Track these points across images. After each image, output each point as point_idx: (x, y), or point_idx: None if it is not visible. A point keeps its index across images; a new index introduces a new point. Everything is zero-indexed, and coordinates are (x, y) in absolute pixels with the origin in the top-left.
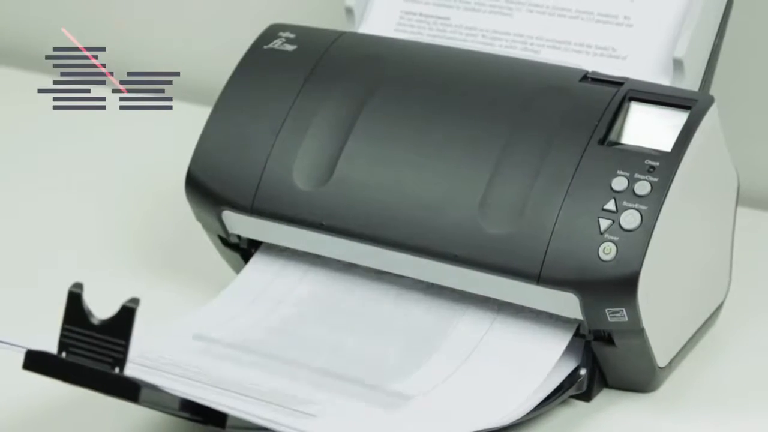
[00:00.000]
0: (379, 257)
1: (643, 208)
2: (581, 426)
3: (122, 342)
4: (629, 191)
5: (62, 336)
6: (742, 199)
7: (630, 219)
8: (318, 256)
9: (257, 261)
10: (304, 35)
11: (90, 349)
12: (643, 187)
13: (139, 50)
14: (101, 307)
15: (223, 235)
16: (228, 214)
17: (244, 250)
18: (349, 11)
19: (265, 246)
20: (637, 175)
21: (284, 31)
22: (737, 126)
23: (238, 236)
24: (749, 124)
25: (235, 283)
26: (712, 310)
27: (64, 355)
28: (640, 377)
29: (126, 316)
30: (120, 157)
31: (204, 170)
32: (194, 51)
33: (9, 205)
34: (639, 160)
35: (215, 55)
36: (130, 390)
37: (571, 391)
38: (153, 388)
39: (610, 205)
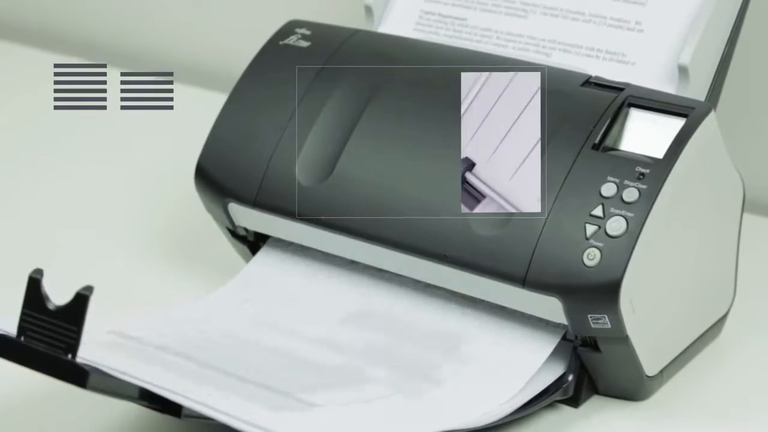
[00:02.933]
0: (372, 254)
1: (630, 215)
2: (565, 430)
3: (75, 328)
4: (617, 197)
5: (21, 320)
6: (753, 207)
7: (616, 225)
8: (321, 252)
9: (263, 255)
10: (319, 32)
11: (46, 334)
12: (631, 194)
13: (167, 35)
14: (117, 298)
15: (231, 227)
16: (233, 206)
17: (251, 242)
18: (368, 10)
19: (272, 240)
20: (626, 182)
21: (301, 27)
22: (747, 132)
23: (245, 229)
24: (760, 130)
25: (239, 276)
26: (713, 321)
27: (22, 339)
28: (628, 385)
29: (80, 303)
30: (140, 143)
31: (212, 163)
32: (221, 43)
33: (26, 196)
34: (630, 166)
35: (242, 46)
36: (79, 376)
37: (557, 396)
38: (104, 375)
39: (598, 211)
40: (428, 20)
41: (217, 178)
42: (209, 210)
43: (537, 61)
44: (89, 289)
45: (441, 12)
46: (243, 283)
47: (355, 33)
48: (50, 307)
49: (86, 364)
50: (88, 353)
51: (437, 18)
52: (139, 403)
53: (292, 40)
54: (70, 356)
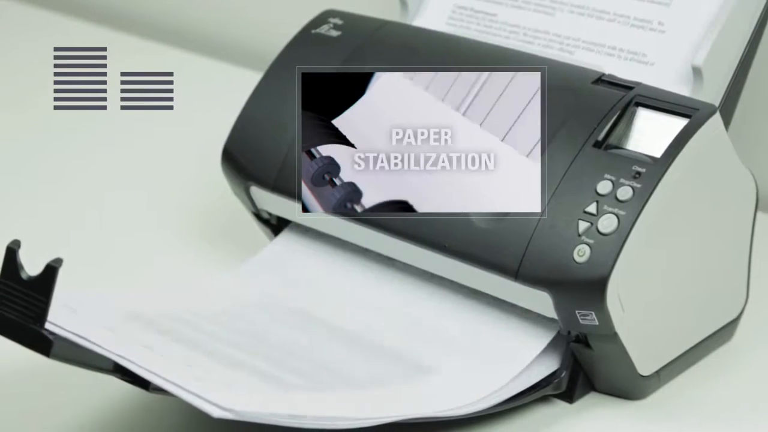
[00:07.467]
0: (378, 242)
1: (622, 213)
2: (555, 424)
3: (44, 299)
4: (612, 195)
5: None
6: None
7: (607, 223)
8: (336, 241)
9: (282, 238)
10: (350, 22)
11: (19, 303)
12: (625, 192)
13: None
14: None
15: (254, 210)
16: (255, 190)
17: (274, 226)
18: (404, 3)
19: (293, 225)
20: (622, 180)
21: (334, 17)
22: (763, 131)
23: (268, 212)
24: None
25: (258, 256)
26: (722, 324)
27: None
28: (622, 383)
29: (49, 274)
30: (175, 118)
31: (237, 147)
32: (264, 30)
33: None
34: (627, 165)
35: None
36: (44, 345)
37: (549, 390)
38: (74, 345)
39: (592, 208)
40: (461, 15)
41: (241, 161)
42: (235, 193)
43: (559, 59)
44: (58, 261)
45: (474, 7)
46: (259, 264)
47: (383, 25)
48: (23, 277)
49: (55, 334)
50: (65, 322)
51: (469, 13)
52: (112, 375)
53: (323, 29)
54: (38, 325)
